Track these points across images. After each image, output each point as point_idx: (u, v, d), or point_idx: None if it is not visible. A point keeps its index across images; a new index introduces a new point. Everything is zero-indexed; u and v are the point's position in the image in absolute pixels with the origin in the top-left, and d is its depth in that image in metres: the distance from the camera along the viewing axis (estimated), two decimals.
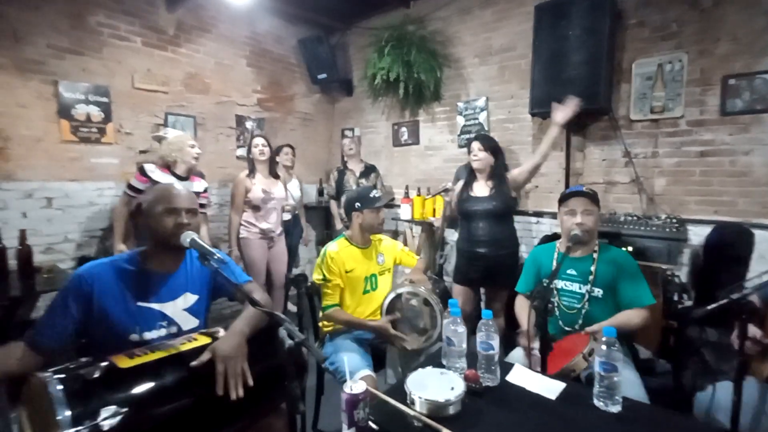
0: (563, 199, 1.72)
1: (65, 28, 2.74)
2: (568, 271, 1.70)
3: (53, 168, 2.72)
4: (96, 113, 2.85)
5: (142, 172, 2.36)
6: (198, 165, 2.57)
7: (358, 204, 1.85)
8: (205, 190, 2.62)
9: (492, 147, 2.33)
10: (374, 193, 1.85)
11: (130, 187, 2.39)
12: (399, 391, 1.11)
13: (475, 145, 2.32)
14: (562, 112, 2.24)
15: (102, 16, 2.88)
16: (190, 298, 1.30)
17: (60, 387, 0.83)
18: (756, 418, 1.30)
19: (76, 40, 2.78)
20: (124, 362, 0.98)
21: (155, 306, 1.22)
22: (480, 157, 2.29)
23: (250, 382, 1.01)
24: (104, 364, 0.95)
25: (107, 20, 2.90)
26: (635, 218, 2.47)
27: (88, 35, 2.83)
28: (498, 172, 2.33)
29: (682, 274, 2.45)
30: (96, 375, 0.91)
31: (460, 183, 2.37)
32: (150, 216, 1.22)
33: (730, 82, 2.36)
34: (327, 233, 4.27)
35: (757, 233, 2.22)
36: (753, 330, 1.26)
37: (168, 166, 2.44)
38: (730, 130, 2.38)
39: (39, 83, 2.65)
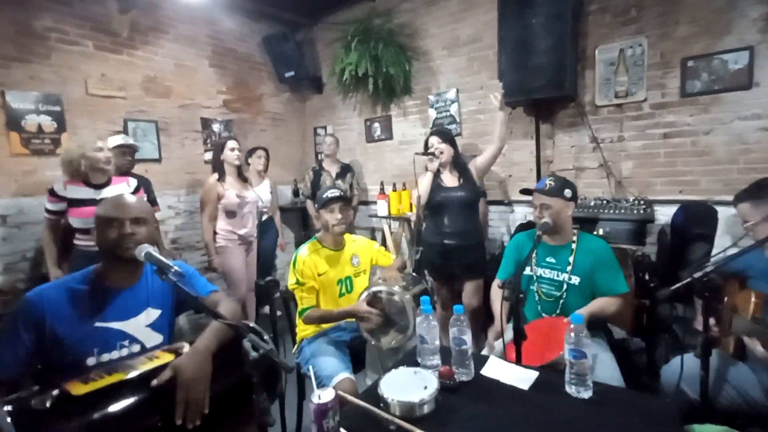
0: (529, 194, 1.75)
1: (9, 35, 2.57)
2: (548, 259, 1.72)
3: (5, 183, 2.56)
4: (48, 123, 2.69)
5: (51, 192, 2.11)
6: (152, 168, 2.39)
7: (316, 206, 1.88)
8: (137, 189, 2.35)
9: (450, 139, 2.37)
10: (327, 194, 1.83)
11: (46, 209, 2.15)
12: (373, 394, 1.09)
13: (434, 140, 2.34)
14: (495, 99, 2.34)
15: (49, 20, 2.72)
16: (152, 314, 1.24)
17: (9, 420, 0.78)
18: (718, 387, 1.34)
19: (21, 46, 2.62)
20: (78, 388, 0.92)
21: (115, 325, 1.16)
22: (442, 148, 2.31)
23: (206, 411, 0.97)
24: (55, 392, 0.89)
25: (54, 24, 2.74)
26: (605, 202, 2.51)
27: (34, 41, 2.66)
28: (460, 161, 2.36)
29: (653, 254, 2.51)
30: (48, 405, 0.85)
31: (436, 163, 2.34)
32: (96, 229, 1.17)
33: (688, 63, 2.42)
34: (305, 234, 4.22)
35: (720, 210, 2.29)
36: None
37: (81, 177, 2.13)
38: (691, 111, 2.44)
39: None
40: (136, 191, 2.31)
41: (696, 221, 2.34)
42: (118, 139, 2.57)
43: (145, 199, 2.50)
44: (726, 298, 1.47)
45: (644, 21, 2.54)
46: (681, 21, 2.42)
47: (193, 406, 0.95)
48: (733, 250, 1.35)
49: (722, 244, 2.23)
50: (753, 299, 1.37)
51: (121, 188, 2.24)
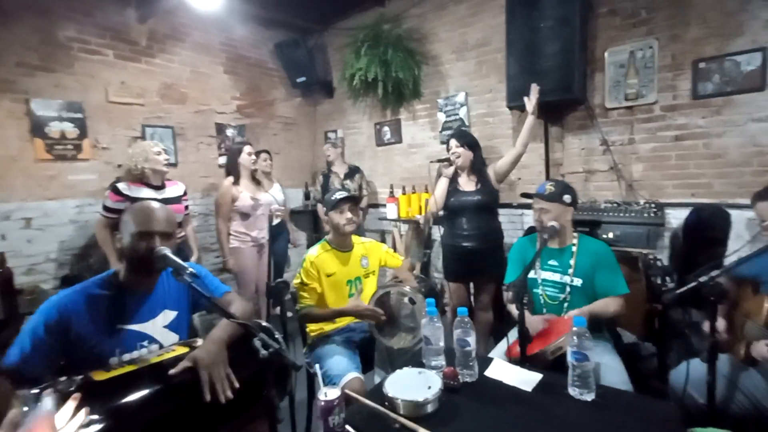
0: (530, 197, 1.77)
1: (34, 45, 2.69)
2: (550, 262, 1.74)
3: (30, 187, 2.68)
4: (71, 130, 2.81)
5: (115, 190, 2.30)
6: (171, 172, 2.53)
7: (325, 209, 1.91)
8: (185, 193, 2.60)
9: (468, 142, 2.37)
10: (336, 195, 1.86)
11: (106, 207, 2.32)
12: (378, 394, 1.12)
13: (453, 143, 2.36)
14: (529, 102, 2.31)
15: (72, 30, 2.84)
16: (169, 315, 1.30)
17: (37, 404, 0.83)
18: (728, 393, 1.33)
19: (45, 56, 2.74)
20: (100, 375, 0.98)
21: (135, 327, 1.21)
22: (459, 152, 2.32)
23: (236, 385, 1.02)
24: (79, 378, 0.95)
25: (77, 35, 2.86)
26: (615, 205, 2.50)
27: (58, 51, 2.79)
28: (478, 165, 2.36)
29: (664, 258, 2.48)
30: (72, 389, 0.91)
31: (451, 169, 2.38)
32: (124, 236, 1.20)
33: (700, 65, 2.39)
34: (315, 236, 4.27)
35: (734, 213, 2.26)
36: (718, 323, 1.28)
37: (140, 179, 2.36)
38: (703, 114, 2.41)
39: (10, 102, 2.61)
40: (184, 194, 2.60)
41: (709, 224, 2.31)
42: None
43: (188, 202, 2.69)
44: (738, 304, 1.46)
45: (654, 23, 2.52)
46: (692, 23, 2.40)
47: (220, 381, 1.01)
48: (747, 251, 1.35)
49: (736, 248, 2.20)
50: (766, 305, 1.35)
51: (176, 190, 2.52)
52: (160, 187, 2.43)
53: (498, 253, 2.39)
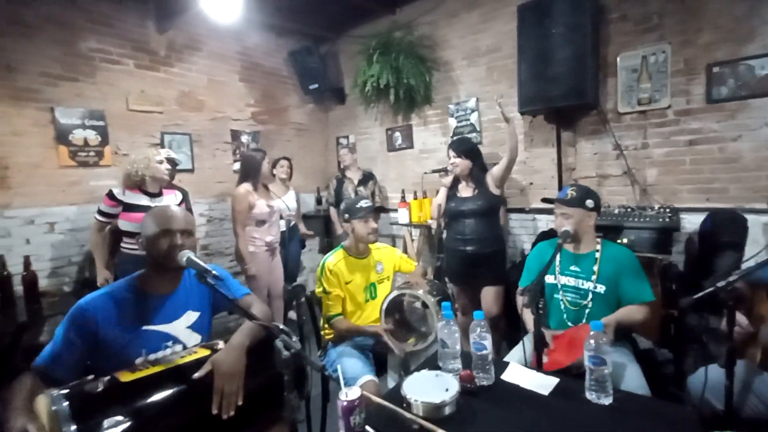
0: (551, 203, 1.78)
1: (57, 55, 2.79)
2: (571, 268, 1.71)
3: (53, 193, 2.77)
4: (93, 137, 2.90)
5: (110, 195, 2.31)
6: (187, 178, 2.57)
7: (347, 215, 1.90)
8: (182, 202, 2.60)
9: (465, 150, 2.41)
10: (361, 204, 1.86)
11: (100, 212, 2.33)
12: (396, 395, 1.14)
13: (450, 153, 2.42)
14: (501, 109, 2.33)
15: (93, 41, 2.94)
16: (192, 316, 1.34)
17: (66, 403, 0.87)
18: (744, 398, 1.32)
19: (68, 66, 2.83)
20: (126, 376, 1.02)
21: (159, 328, 1.25)
22: (456, 162, 2.38)
23: (240, 402, 1.05)
24: (107, 378, 0.99)
25: (98, 45, 2.96)
26: (629, 210, 2.49)
27: (80, 61, 2.88)
28: (475, 173, 2.40)
29: (680, 263, 2.46)
30: (99, 389, 0.96)
31: (449, 178, 2.44)
32: (146, 239, 1.25)
33: (714, 70, 2.38)
34: (328, 241, 4.31)
35: (750, 218, 2.23)
36: (740, 318, 1.28)
37: (138, 185, 2.35)
38: (717, 118, 2.40)
39: (35, 111, 2.70)
40: (181, 203, 2.56)
41: (725, 229, 2.28)
42: (164, 153, 2.69)
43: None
44: (753, 308, 1.45)
45: (666, 28, 2.52)
46: (704, 28, 2.40)
47: (229, 397, 1.04)
48: (765, 256, 1.34)
49: (752, 253, 2.17)
50: None
51: (172, 199, 2.49)
52: (156, 195, 2.39)
53: (500, 258, 2.43)
